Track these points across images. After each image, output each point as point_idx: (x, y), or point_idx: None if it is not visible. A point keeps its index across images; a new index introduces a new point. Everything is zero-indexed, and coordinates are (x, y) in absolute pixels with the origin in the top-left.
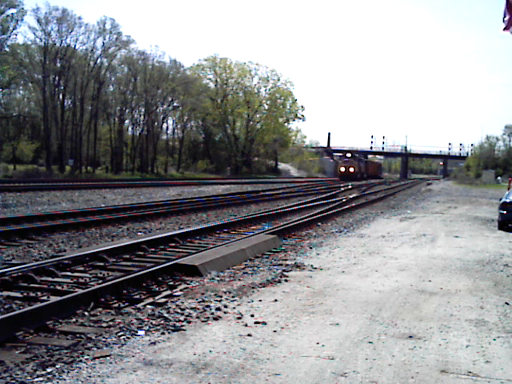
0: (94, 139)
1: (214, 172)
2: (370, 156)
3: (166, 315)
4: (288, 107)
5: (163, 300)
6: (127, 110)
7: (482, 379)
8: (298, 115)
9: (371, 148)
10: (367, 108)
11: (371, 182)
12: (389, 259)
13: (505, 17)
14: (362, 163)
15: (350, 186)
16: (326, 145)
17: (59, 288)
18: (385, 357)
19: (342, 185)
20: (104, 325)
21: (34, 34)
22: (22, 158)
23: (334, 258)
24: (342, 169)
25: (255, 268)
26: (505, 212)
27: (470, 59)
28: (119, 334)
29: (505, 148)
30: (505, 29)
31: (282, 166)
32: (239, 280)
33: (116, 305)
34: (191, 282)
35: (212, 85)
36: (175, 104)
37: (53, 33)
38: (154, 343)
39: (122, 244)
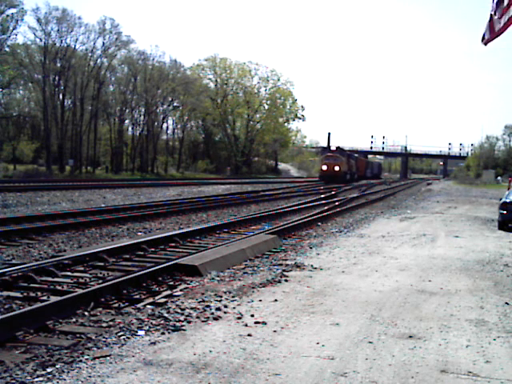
0: (94, 139)
1: (214, 172)
2: (370, 156)
3: (166, 315)
4: (288, 107)
5: (163, 300)
6: (127, 110)
7: (482, 379)
8: (298, 115)
9: (371, 148)
10: (367, 108)
11: (371, 182)
12: (389, 259)
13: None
14: (353, 160)
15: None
16: (326, 145)
17: (59, 288)
18: (385, 357)
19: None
20: (104, 325)
21: (34, 33)
22: (22, 158)
23: (334, 258)
24: (324, 167)
25: (255, 268)
26: (505, 212)
27: (469, 59)
28: (119, 333)
29: (505, 148)
30: (485, 41)
31: (282, 165)
32: (239, 280)
33: (116, 305)
34: (191, 281)
35: (212, 85)
36: (175, 104)
37: (53, 33)
38: (154, 343)
39: (122, 244)
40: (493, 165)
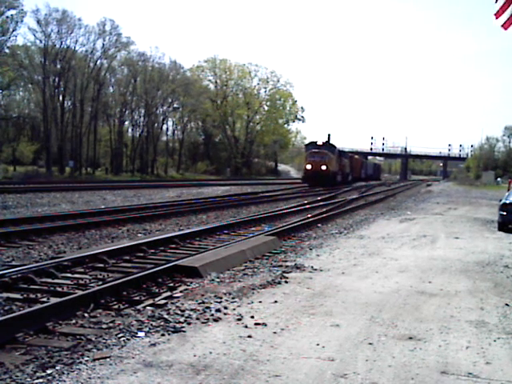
0: (94, 140)
1: (214, 173)
2: (370, 157)
3: (165, 316)
4: (288, 108)
5: (163, 301)
6: (127, 112)
7: (482, 380)
8: (298, 116)
9: (371, 149)
10: (367, 109)
11: (370, 183)
12: (389, 260)
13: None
14: (346, 159)
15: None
16: None
17: (59, 289)
18: (385, 358)
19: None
20: (104, 326)
21: (34, 35)
22: (22, 160)
23: (333, 260)
24: (309, 166)
25: (255, 269)
26: (505, 213)
27: (469, 60)
28: (119, 335)
29: (504, 149)
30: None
31: (281, 167)
32: (239, 281)
33: (116, 306)
34: (191, 283)
35: (212, 86)
36: (175, 105)
37: (53, 34)
38: (153, 344)
39: (122, 245)
40: (493, 166)
